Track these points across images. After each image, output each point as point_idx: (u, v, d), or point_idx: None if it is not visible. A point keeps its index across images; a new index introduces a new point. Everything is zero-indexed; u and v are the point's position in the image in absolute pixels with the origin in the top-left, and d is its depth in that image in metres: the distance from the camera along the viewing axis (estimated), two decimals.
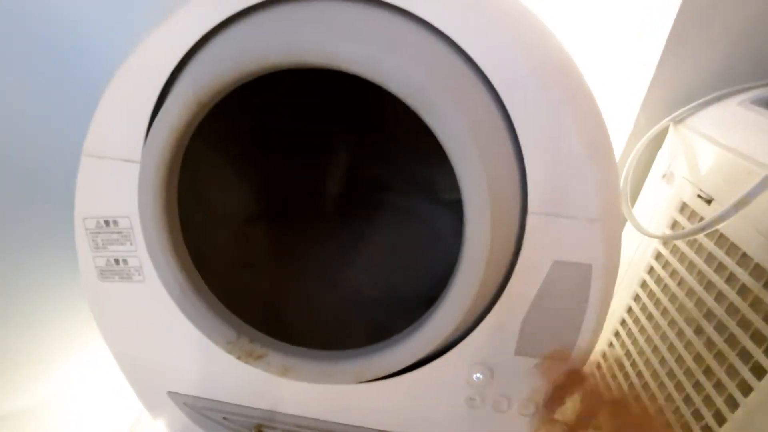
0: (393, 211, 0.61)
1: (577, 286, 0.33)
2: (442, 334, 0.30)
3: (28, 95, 0.43)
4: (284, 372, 0.33)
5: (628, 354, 0.56)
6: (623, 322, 0.59)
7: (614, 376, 0.59)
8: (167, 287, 0.33)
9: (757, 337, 0.38)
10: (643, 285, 0.55)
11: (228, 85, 0.27)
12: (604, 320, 0.34)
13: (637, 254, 0.57)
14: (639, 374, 0.53)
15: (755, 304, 0.38)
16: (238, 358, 0.33)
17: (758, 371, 0.37)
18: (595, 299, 0.33)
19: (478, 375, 0.36)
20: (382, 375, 0.32)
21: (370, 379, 0.32)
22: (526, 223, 0.31)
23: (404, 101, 0.26)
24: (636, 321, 0.56)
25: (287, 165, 0.56)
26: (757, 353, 0.37)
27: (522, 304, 0.33)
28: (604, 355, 0.63)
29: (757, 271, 0.38)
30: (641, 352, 0.53)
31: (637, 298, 0.56)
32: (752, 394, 0.37)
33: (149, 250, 0.32)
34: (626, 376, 0.56)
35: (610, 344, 0.61)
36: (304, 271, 0.55)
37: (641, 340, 0.54)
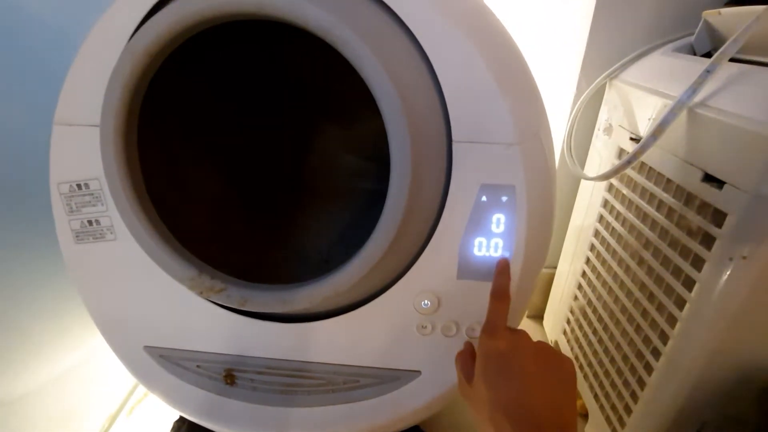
0: (365, 191, 0.65)
1: (505, 206, 0.36)
2: (378, 252, 0.33)
3: None
4: (243, 303, 0.35)
5: (589, 302, 0.59)
6: (584, 274, 0.61)
7: (581, 327, 0.62)
8: (133, 232, 0.36)
9: (684, 252, 0.40)
10: (596, 234, 0.58)
11: (171, 35, 0.31)
12: (536, 237, 0.38)
13: (589, 208, 0.60)
14: (599, 318, 0.56)
15: (680, 221, 0.41)
16: (201, 293, 0.36)
17: (688, 284, 0.40)
18: (522, 217, 0.36)
19: (426, 302, 0.39)
20: (333, 296, 0.35)
21: (321, 302, 0.35)
22: (453, 151, 0.35)
23: (324, 39, 0.30)
24: (593, 269, 0.58)
25: (263, 148, 0.60)
26: (686, 266, 0.40)
27: (457, 227, 0.37)
28: (571, 310, 0.65)
29: (678, 192, 0.41)
30: (599, 297, 0.56)
31: (592, 248, 0.59)
32: (686, 307, 0.40)
33: (114, 198, 0.35)
34: (590, 323, 0.59)
35: (575, 297, 0.64)
36: (276, 243, 0.58)
37: (599, 285, 0.56)
